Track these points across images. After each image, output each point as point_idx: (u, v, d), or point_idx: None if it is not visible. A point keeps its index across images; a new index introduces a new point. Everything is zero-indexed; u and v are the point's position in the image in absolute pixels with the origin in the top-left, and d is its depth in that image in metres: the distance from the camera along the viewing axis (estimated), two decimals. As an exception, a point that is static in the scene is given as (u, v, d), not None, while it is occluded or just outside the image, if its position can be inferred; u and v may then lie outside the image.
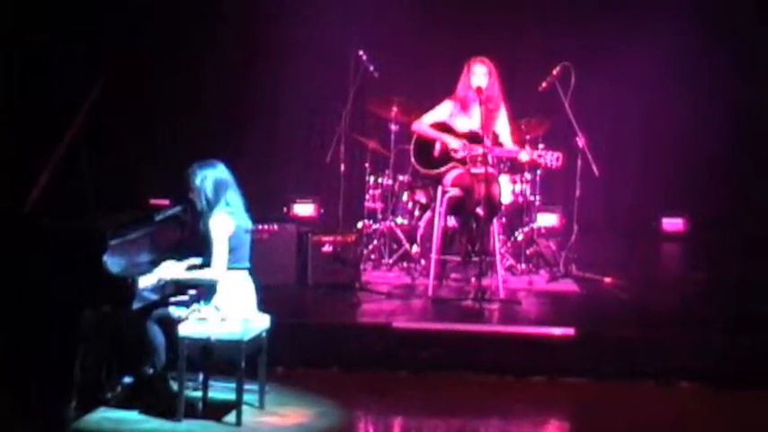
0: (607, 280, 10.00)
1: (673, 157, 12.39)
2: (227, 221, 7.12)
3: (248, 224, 7.30)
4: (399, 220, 10.34)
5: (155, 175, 10.58)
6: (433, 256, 9.46)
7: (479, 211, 9.27)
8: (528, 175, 10.23)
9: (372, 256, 10.32)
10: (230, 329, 7.06)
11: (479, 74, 9.39)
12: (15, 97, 10.63)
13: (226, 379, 7.31)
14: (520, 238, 10.30)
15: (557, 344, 8.32)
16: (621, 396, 7.87)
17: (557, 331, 8.40)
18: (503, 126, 9.50)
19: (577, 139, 9.92)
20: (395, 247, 10.32)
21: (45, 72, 10.86)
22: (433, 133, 9.48)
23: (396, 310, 9.03)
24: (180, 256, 7.34)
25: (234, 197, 7.23)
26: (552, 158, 9.32)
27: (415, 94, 10.86)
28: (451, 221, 9.82)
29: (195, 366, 7.29)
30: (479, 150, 9.18)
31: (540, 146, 9.98)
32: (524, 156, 9.47)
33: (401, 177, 10.32)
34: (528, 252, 10.30)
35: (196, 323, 7.06)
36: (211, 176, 7.20)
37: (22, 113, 10.56)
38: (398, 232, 10.28)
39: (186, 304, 7.19)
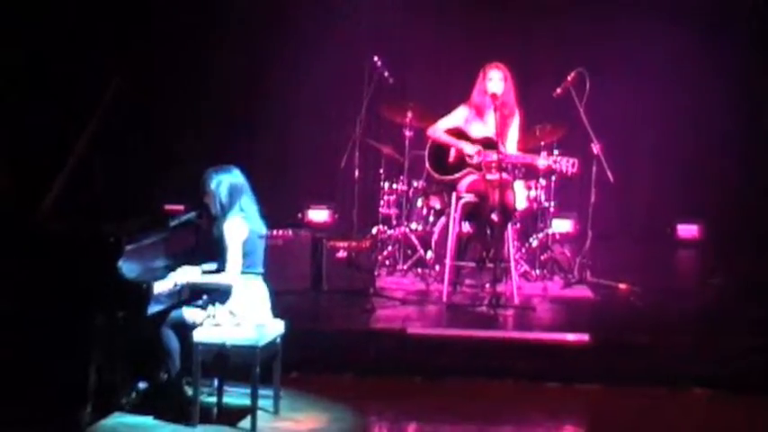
0: (622, 286, 9.98)
1: (688, 163, 12.38)
2: (241, 226, 7.13)
3: (263, 230, 7.31)
4: (414, 225, 10.33)
5: (169, 181, 10.60)
6: (448, 261, 9.46)
7: (494, 217, 9.25)
8: (543, 181, 10.21)
9: (387, 262, 10.32)
10: (245, 335, 7.07)
11: (495, 79, 9.38)
12: (28, 101, 10.66)
13: (240, 384, 7.32)
14: (534, 244, 10.28)
15: (571, 350, 8.31)
16: (636, 402, 7.85)
17: (571, 337, 8.39)
18: (512, 134, 9.48)
19: (592, 145, 9.90)
20: (409, 252, 10.31)
21: (57, 77, 10.88)
22: (448, 139, 9.47)
23: (410, 315, 9.02)
24: (194, 261, 7.34)
25: (248, 203, 7.24)
26: (568, 165, 9.31)
27: (429, 99, 10.88)
28: (466, 227, 9.81)
29: (210, 372, 7.31)
30: (494, 156, 9.17)
31: (555, 152, 9.97)
32: (541, 162, 9.47)
33: (416, 183, 10.32)
34: (542, 258, 10.29)
35: (211, 328, 7.08)
36: (226, 181, 7.21)
37: (35, 118, 10.58)
38: (413, 238, 10.26)
39: (201, 307, 7.19)
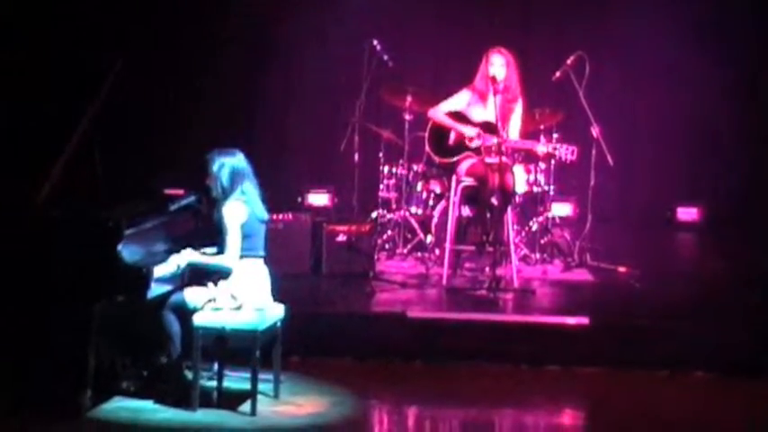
0: (621, 269, 9.98)
1: (687, 146, 12.37)
2: (240, 209, 7.12)
3: (264, 215, 7.30)
4: (414, 209, 10.33)
5: (169, 165, 10.59)
6: (448, 245, 9.46)
7: (494, 200, 9.26)
8: (542, 165, 10.21)
9: (387, 246, 10.32)
10: (245, 319, 7.07)
11: (497, 64, 9.35)
12: (28, 86, 10.64)
13: (240, 368, 7.33)
14: (534, 227, 10.28)
15: (571, 333, 8.31)
16: (636, 386, 7.87)
17: (571, 321, 8.39)
18: (515, 121, 9.46)
19: (592, 128, 9.89)
20: (409, 236, 10.31)
21: (59, 61, 10.86)
22: (448, 122, 9.46)
23: (410, 299, 9.03)
24: (195, 245, 7.34)
25: (250, 187, 7.23)
26: (567, 152, 9.30)
27: (429, 83, 10.86)
28: (466, 211, 9.81)
29: (210, 356, 7.32)
30: (494, 141, 9.16)
31: (555, 136, 9.97)
32: (540, 149, 9.46)
33: (415, 167, 10.31)
34: (542, 241, 10.29)
35: (211, 312, 7.08)
36: (229, 164, 7.20)
37: (35, 104, 10.56)
38: (413, 222, 10.27)
39: (203, 285, 7.18)
